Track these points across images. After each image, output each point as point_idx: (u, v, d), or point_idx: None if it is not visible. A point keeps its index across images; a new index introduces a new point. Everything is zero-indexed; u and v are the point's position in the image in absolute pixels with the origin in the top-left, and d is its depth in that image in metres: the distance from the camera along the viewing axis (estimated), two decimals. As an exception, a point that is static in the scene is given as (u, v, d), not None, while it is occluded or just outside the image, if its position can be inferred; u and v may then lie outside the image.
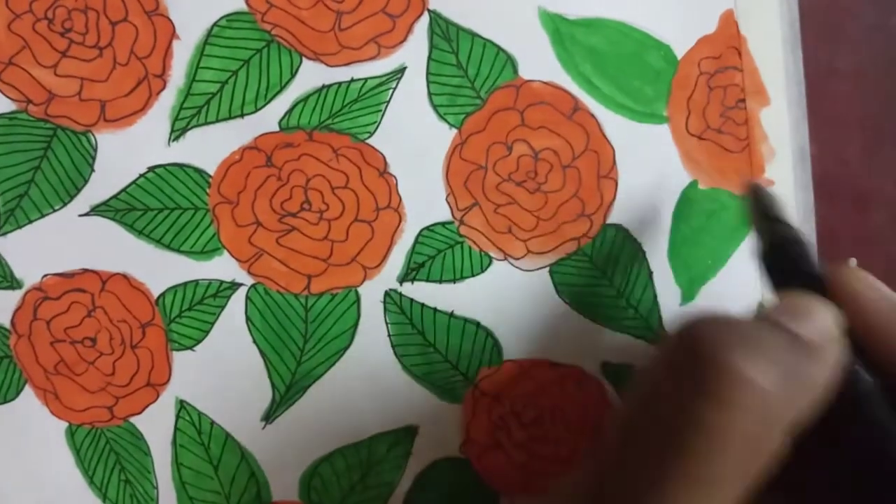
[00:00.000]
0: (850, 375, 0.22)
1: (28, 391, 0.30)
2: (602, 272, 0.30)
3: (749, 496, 0.21)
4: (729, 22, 0.29)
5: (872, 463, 0.22)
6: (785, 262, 0.25)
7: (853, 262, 0.31)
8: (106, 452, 0.31)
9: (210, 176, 0.29)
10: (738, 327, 0.21)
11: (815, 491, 0.24)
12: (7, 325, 0.30)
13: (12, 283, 0.30)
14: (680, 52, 0.29)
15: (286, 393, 0.30)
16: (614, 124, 0.29)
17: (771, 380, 0.20)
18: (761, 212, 0.27)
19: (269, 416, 0.30)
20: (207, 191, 0.29)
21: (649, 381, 0.22)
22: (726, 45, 0.29)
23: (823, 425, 0.22)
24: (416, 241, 0.30)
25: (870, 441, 0.22)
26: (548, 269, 0.30)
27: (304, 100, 0.29)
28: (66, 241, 0.30)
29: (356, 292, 0.30)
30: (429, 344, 0.30)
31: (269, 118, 0.29)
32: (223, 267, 0.30)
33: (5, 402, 0.30)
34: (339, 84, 0.29)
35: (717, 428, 0.20)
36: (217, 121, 0.29)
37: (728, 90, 0.29)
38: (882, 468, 0.21)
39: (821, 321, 0.22)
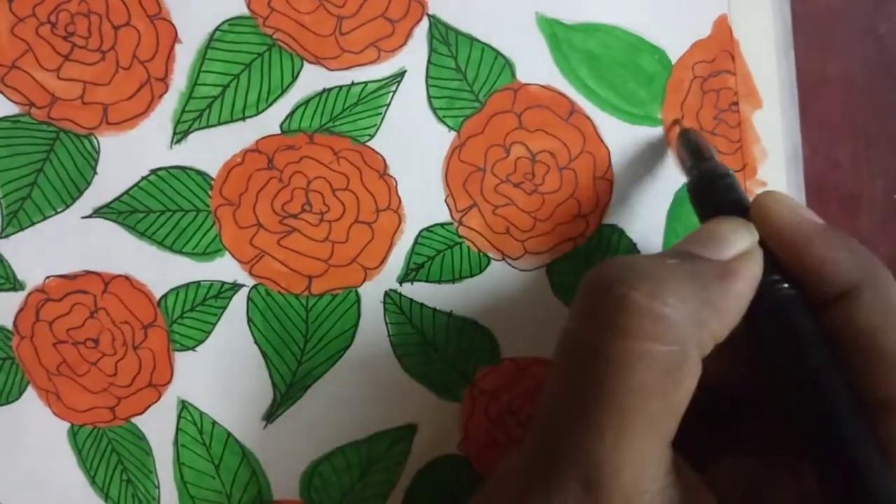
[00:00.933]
0: (768, 287, 0.23)
1: (30, 392, 0.31)
2: (598, 272, 0.30)
3: (678, 417, 0.21)
4: (722, 27, 0.30)
5: (790, 367, 0.22)
6: (711, 194, 0.26)
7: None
8: (108, 452, 0.31)
9: (212, 178, 0.30)
10: (638, 262, 0.22)
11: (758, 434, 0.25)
12: (9, 326, 0.30)
13: (15, 284, 0.30)
14: (674, 56, 0.30)
15: (287, 392, 0.31)
16: (610, 127, 0.30)
17: (672, 304, 0.21)
18: (691, 152, 0.28)
19: (270, 416, 0.31)
20: (209, 193, 0.30)
21: (564, 333, 0.23)
22: (720, 50, 0.30)
23: (753, 336, 0.23)
24: (416, 242, 0.30)
25: (787, 340, 0.22)
26: (545, 268, 0.30)
27: (306, 103, 0.29)
28: (69, 242, 0.30)
29: (356, 293, 0.30)
30: (428, 343, 0.30)
31: (270, 121, 0.29)
32: (225, 268, 0.30)
33: (7, 402, 0.31)
34: (340, 87, 0.29)
35: (623, 356, 0.21)
36: (219, 124, 0.29)
37: (721, 93, 0.30)
38: (798, 371, 0.22)
39: (732, 241, 0.23)
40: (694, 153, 0.27)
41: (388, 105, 0.29)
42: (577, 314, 0.23)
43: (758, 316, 0.23)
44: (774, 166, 0.30)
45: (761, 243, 0.24)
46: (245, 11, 0.29)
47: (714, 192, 0.26)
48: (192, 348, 0.30)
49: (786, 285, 0.23)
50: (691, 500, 0.22)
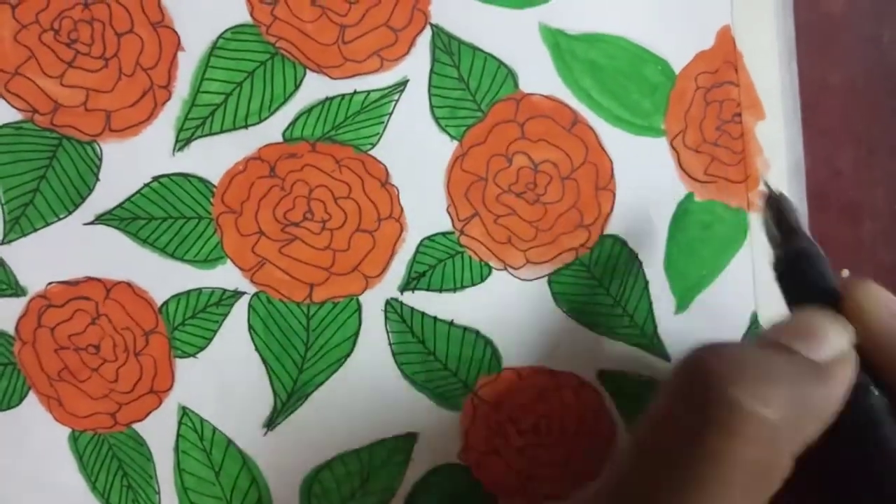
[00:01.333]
0: (860, 393, 0.22)
1: (32, 398, 0.31)
2: (599, 282, 0.30)
3: None
4: (726, 38, 0.30)
5: (873, 483, 0.22)
6: (800, 277, 0.25)
7: (846, 272, 0.32)
8: (109, 458, 0.31)
9: (214, 186, 0.30)
10: (744, 357, 0.22)
11: None
12: (11, 332, 0.30)
13: (17, 290, 0.30)
14: (678, 67, 0.30)
15: (287, 400, 0.31)
16: (613, 137, 0.30)
17: (777, 409, 0.21)
18: (778, 222, 0.27)
19: (270, 423, 0.31)
20: (211, 200, 0.30)
21: (660, 413, 0.22)
22: (723, 61, 0.30)
23: (832, 443, 0.22)
24: (417, 251, 0.30)
25: (873, 461, 0.22)
26: (546, 278, 0.30)
27: (308, 111, 0.29)
28: (71, 249, 0.30)
29: (357, 301, 0.30)
30: (429, 352, 0.30)
31: (272, 129, 0.29)
32: (226, 276, 0.30)
33: (9, 408, 0.31)
34: (343, 96, 0.29)
35: (725, 458, 0.20)
36: (221, 131, 0.29)
37: (724, 104, 0.30)
38: (882, 489, 0.22)
39: (831, 341, 0.22)
40: (782, 226, 0.26)
41: (391, 114, 0.29)
42: (674, 398, 0.22)
43: (846, 420, 0.22)
44: (776, 177, 0.30)
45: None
46: (248, 19, 0.29)
47: (806, 278, 0.25)
48: (193, 355, 0.30)
49: (876, 392, 0.23)
50: None
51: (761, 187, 0.29)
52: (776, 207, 0.27)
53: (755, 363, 0.22)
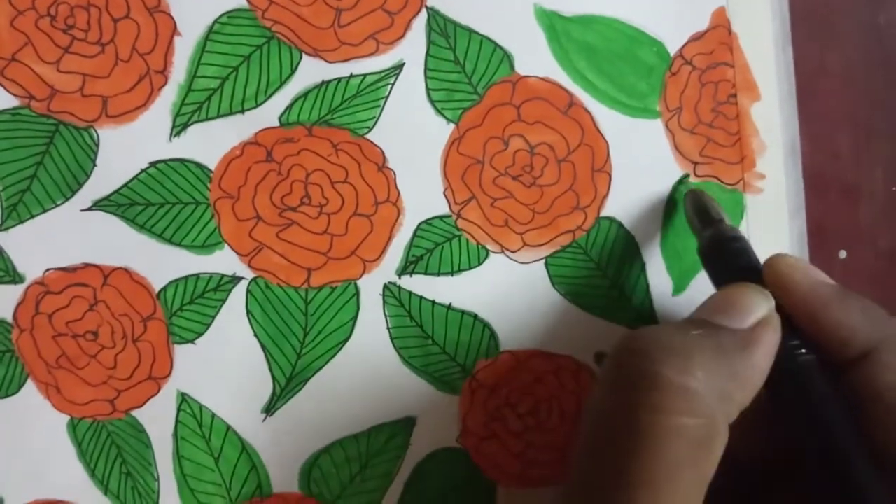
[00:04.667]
0: (787, 353, 0.23)
1: (30, 385, 0.31)
2: (596, 264, 0.31)
3: (706, 486, 0.22)
4: (721, 19, 0.30)
5: (811, 430, 0.23)
6: (723, 258, 0.26)
7: (843, 253, 0.32)
8: (107, 445, 0.31)
9: (211, 171, 0.30)
10: (665, 335, 0.23)
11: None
12: (9, 319, 0.30)
13: (14, 277, 0.30)
14: (672, 49, 0.30)
15: (286, 385, 0.31)
16: (608, 119, 0.30)
17: (700, 380, 0.21)
18: (700, 214, 0.28)
19: (269, 409, 0.31)
20: (208, 185, 0.30)
21: (597, 400, 0.23)
22: (718, 42, 0.30)
23: (769, 403, 0.23)
24: (415, 235, 0.30)
25: (808, 409, 0.23)
26: (544, 261, 0.30)
27: (304, 95, 0.29)
28: (68, 235, 0.30)
29: (355, 285, 0.30)
30: (427, 336, 0.30)
31: (269, 114, 0.29)
32: (224, 261, 0.30)
33: (7, 395, 0.31)
34: (339, 80, 0.29)
35: (655, 430, 0.21)
36: (218, 116, 0.29)
37: (720, 86, 0.30)
38: (817, 434, 0.22)
39: (752, 308, 0.23)
40: (702, 216, 0.28)
41: (387, 97, 0.29)
42: (606, 387, 0.23)
43: (777, 382, 0.23)
44: (773, 159, 0.30)
45: (777, 308, 0.24)
46: (244, 3, 0.29)
47: (726, 258, 0.26)
48: (192, 341, 0.30)
49: (804, 350, 0.24)
50: None
51: (683, 184, 0.30)
52: (694, 199, 0.29)
53: (676, 340, 0.22)
